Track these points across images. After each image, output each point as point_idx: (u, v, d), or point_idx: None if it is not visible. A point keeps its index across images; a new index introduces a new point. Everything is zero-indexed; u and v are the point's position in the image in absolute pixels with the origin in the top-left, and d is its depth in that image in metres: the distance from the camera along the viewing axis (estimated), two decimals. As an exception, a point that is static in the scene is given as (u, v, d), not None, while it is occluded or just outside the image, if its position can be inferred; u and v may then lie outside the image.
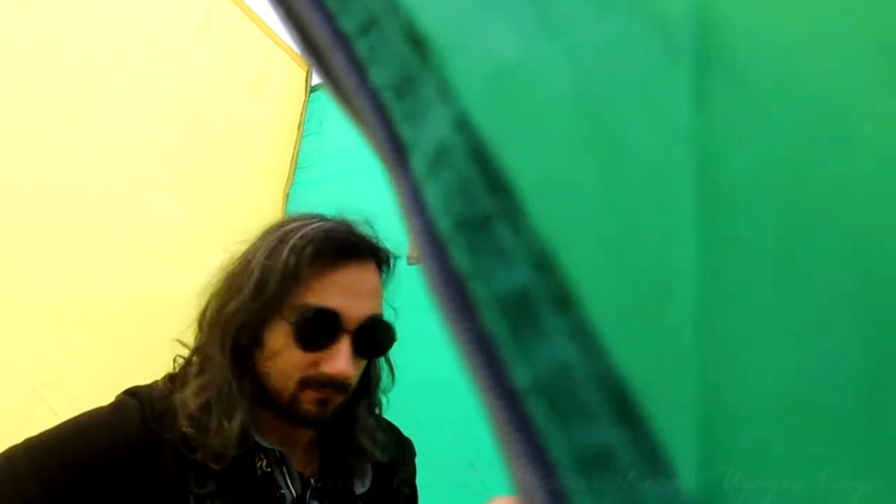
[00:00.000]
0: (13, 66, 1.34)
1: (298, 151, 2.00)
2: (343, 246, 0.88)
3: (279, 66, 1.95)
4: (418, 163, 0.20)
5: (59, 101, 1.43)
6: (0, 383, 1.31)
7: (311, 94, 2.02)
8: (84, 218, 1.48)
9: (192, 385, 0.90)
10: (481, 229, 0.18)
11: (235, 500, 0.86)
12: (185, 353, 0.97)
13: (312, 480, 0.94)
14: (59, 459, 0.82)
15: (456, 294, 0.18)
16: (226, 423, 0.86)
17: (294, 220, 0.94)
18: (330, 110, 1.98)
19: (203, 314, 0.94)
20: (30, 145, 1.38)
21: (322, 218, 0.94)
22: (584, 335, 0.17)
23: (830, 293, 0.15)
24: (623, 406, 0.16)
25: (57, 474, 0.81)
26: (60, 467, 0.82)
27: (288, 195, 1.98)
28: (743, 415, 0.15)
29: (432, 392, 1.52)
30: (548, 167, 0.18)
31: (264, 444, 0.89)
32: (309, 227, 0.89)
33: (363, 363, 0.92)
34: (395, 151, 0.21)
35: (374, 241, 0.94)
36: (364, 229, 0.94)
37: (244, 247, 0.95)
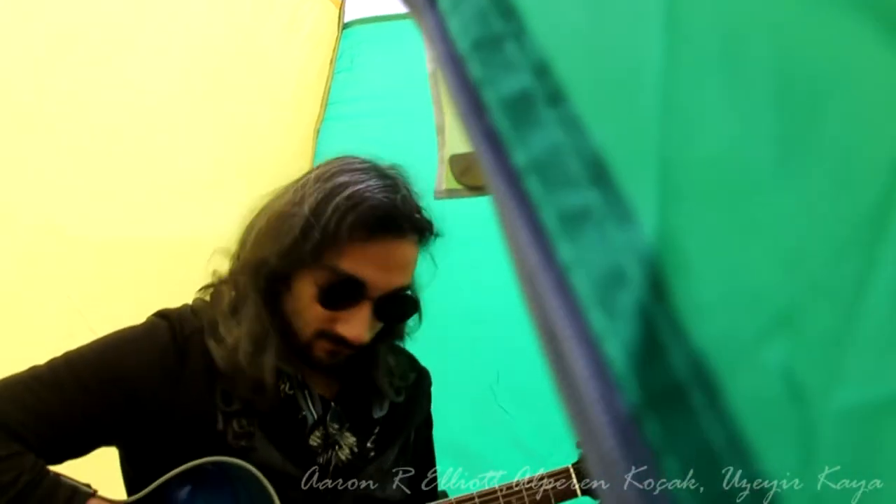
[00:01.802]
0: (49, 12, 1.38)
1: (329, 88, 2.03)
2: (385, 221, 0.88)
3: (312, 4, 1.97)
4: (445, 1, 0.25)
5: (95, 45, 1.47)
6: (45, 302, 1.39)
7: (344, 31, 2.04)
8: (121, 156, 1.54)
9: (225, 319, 0.93)
10: (493, 47, 0.23)
11: (260, 421, 0.92)
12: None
13: (333, 403, 0.98)
14: (97, 373, 0.88)
15: (470, 99, 0.23)
16: (262, 358, 0.89)
17: (348, 169, 0.92)
18: (362, 47, 2.01)
19: (242, 245, 0.96)
20: (68, 87, 1.43)
21: (376, 173, 0.92)
22: (570, 122, 0.21)
23: (761, 78, 0.19)
24: (598, 172, 0.21)
25: (95, 387, 0.87)
26: (98, 380, 0.88)
27: (318, 131, 2.02)
28: (692, 171, 0.20)
29: (463, 321, 1.58)
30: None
31: (286, 368, 0.94)
32: (358, 188, 0.89)
33: (381, 324, 0.95)
34: (425, -5, 0.26)
35: (419, 214, 0.93)
36: (412, 198, 0.93)
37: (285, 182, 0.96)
